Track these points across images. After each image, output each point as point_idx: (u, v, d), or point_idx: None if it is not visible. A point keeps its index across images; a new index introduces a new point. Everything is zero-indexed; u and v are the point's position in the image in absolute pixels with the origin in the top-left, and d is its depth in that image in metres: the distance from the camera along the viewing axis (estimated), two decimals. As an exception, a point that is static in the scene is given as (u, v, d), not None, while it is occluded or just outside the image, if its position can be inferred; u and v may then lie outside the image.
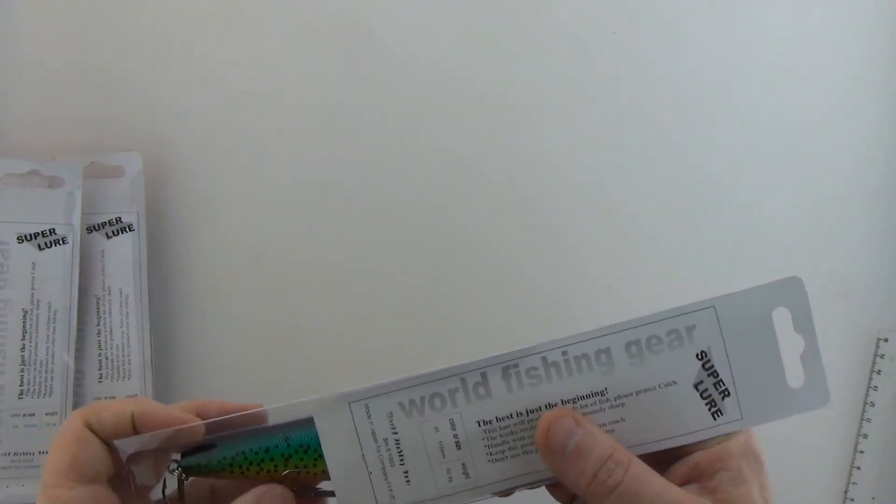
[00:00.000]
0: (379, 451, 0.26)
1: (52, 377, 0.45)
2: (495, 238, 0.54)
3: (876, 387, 0.59)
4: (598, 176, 0.55)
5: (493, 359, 0.26)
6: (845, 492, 0.59)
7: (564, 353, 0.26)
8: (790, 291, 0.27)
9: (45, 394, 0.45)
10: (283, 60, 0.51)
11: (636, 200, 0.55)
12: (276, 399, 0.53)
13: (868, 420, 0.59)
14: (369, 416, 0.26)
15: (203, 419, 0.28)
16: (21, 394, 0.45)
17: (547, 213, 0.54)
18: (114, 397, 0.47)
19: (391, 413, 0.26)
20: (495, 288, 0.54)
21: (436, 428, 0.26)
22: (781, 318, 0.26)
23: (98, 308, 0.47)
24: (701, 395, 0.26)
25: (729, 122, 0.56)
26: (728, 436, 0.25)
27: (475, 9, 0.52)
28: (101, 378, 0.47)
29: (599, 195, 0.55)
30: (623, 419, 0.26)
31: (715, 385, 0.26)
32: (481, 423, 0.26)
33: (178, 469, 0.27)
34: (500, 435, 0.26)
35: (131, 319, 0.47)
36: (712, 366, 0.26)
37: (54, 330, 0.45)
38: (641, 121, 0.55)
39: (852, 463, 0.59)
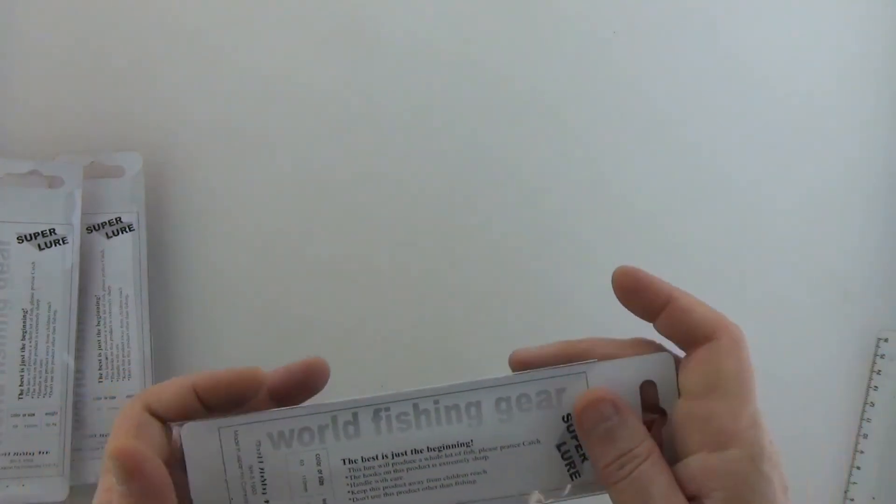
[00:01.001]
0: (243, 478, 0.26)
1: (52, 377, 0.45)
2: (501, 232, 0.54)
3: (876, 387, 0.59)
4: (599, 174, 0.55)
5: (366, 400, 0.27)
6: (845, 492, 0.59)
7: (436, 402, 0.27)
8: (660, 366, 0.27)
9: (45, 394, 0.45)
10: (284, 60, 0.51)
11: (637, 200, 0.55)
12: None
13: (868, 420, 0.59)
14: (237, 443, 0.26)
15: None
16: (21, 394, 0.45)
17: (552, 207, 0.54)
18: (114, 397, 0.47)
19: (259, 442, 0.26)
20: (501, 280, 0.54)
21: (301, 461, 0.27)
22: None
23: (98, 308, 0.47)
24: (562, 455, 0.27)
25: (729, 121, 0.56)
26: (727, 448, 0.25)
27: (478, 7, 0.52)
28: (101, 378, 0.47)
29: (600, 192, 0.55)
30: (485, 471, 0.27)
31: (577, 448, 0.27)
32: (346, 462, 0.27)
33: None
34: (364, 475, 0.27)
35: (131, 319, 0.47)
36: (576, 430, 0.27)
37: (54, 330, 0.45)
38: (642, 119, 0.55)
39: (852, 463, 0.59)
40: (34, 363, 0.45)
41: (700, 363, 0.26)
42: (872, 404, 0.59)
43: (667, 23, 0.55)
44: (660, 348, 0.28)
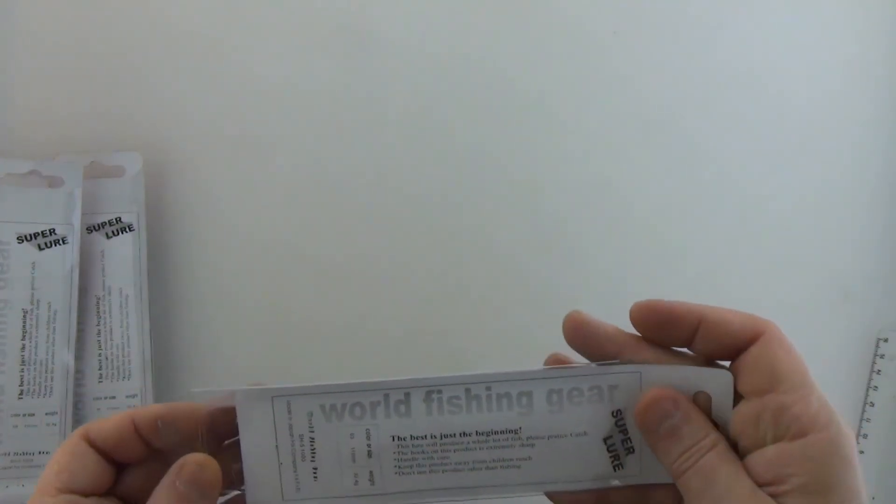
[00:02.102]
0: (293, 445, 0.27)
1: (52, 377, 0.45)
2: (501, 233, 0.54)
3: (876, 387, 0.59)
4: (601, 173, 0.55)
5: (420, 381, 0.27)
6: (845, 492, 0.59)
7: (488, 389, 0.27)
8: (717, 381, 0.27)
9: (45, 394, 0.45)
10: (285, 59, 0.51)
11: (639, 200, 0.55)
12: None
13: (868, 420, 0.59)
14: (289, 412, 0.27)
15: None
16: (21, 394, 0.45)
17: (553, 208, 0.54)
18: (114, 397, 0.47)
19: (311, 413, 0.27)
20: (501, 282, 0.54)
21: (351, 434, 0.27)
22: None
23: (98, 308, 0.47)
24: (608, 448, 0.28)
25: (729, 122, 0.56)
26: (806, 434, 0.25)
27: (478, 8, 0.52)
28: (101, 378, 0.47)
29: (600, 193, 0.55)
30: (531, 458, 0.28)
31: (623, 441, 0.28)
32: (395, 438, 0.27)
33: None
34: (412, 452, 0.27)
35: (131, 319, 0.47)
36: (624, 424, 0.28)
37: (54, 330, 0.45)
38: (642, 120, 0.55)
39: (852, 463, 0.59)
40: (34, 363, 0.45)
41: (755, 363, 0.26)
42: (872, 404, 0.59)
43: (667, 23, 0.55)
44: (711, 363, 0.27)
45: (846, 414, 0.59)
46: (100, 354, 0.47)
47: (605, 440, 0.28)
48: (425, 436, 0.27)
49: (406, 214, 0.53)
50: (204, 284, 0.51)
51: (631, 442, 0.28)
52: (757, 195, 0.57)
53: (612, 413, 0.27)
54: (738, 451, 0.26)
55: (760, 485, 0.25)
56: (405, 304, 0.53)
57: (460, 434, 0.27)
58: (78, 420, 0.46)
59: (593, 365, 0.27)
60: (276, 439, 0.27)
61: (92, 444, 0.27)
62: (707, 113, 0.56)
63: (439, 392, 0.27)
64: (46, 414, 0.45)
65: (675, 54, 0.55)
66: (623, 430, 0.27)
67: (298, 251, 0.52)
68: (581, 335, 0.28)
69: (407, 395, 0.27)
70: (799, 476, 0.24)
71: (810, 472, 0.24)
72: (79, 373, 0.46)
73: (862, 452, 0.59)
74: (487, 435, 0.27)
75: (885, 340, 0.59)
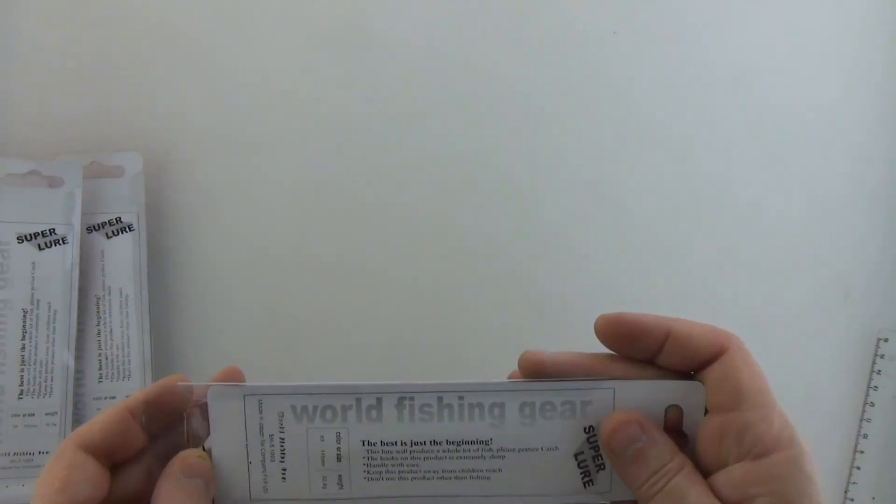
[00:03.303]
0: (262, 445, 0.27)
1: (52, 377, 0.45)
2: (498, 236, 0.54)
3: (876, 387, 0.59)
4: (601, 174, 0.55)
5: (392, 387, 0.27)
6: (845, 492, 0.59)
7: (461, 398, 0.27)
8: (688, 393, 0.27)
9: (45, 394, 0.45)
10: (285, 60, 0.51)
11: (638, 200, 0.55)
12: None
13: (868, 420, 0.59)
14: (261, 412, 0.27)
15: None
16: (21, 394, 0.45)
17: (550, 211, 0.54)
18: (114, 398, 0.47)
19: (282, 413, 0.27)
20: (498, 285, 0.54)
21: (322, 437, 0.27)
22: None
23: (98, 308, 0.47)
24: (578, 464, 0.28)
25: (729, 122, 0.56)
26: (769, 454, 0.25)
27: (478, 7, 0.52)
28: (101, 378, 0.47)
29: (600, 194, 0.55)
30: (501, 470, 0.27)
31: (594, 458, 0.27)
32: (366, 443, 0.27)
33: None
34: (382, 458, 0.27)
35: (131, 319, 0.47)
36: (596, 441, 0.27)
37: (54, 330, 0.45)
38: (642, 120, 0.55)
39: (852, 463, 0.59)
40: (34, 363, 0.45)
41: (719, 380, 0.26)
42: (872, 404, 0.59)
43: (667, 25, 0.55)
44: (681, 375, 0.28)
45: (846, 414, 0.59)
46: (100, 354, 0.47)
47: (576, 456, 0.27)
48: (395, 442, 0.27)
49: (405, 216, 0.53)
50: (203, 284, 0.51)
51: (602, 458, 0.27)
52: (757, 196, 0.57)
53: (585, 429, 0.27)
54: (702, 466, 0.26)
55: None
56: (405, 306, 0.53)
57: (431, 442, 0.27)
58: (78, 420, 0.46)
59: (568, 380, 0.27)
60: (247, 438, 0.27)
61: (89, 449, 0.26)
62: (707, 114, 0.56)
63: (412, 399, 0.27)
64: (46, 414, 0.45)
65: (674, 56, 0.55)
66: (595, 446, 0.27)
67: (298, 251, 0.52)
68: (539, 374, 0.28)
69: (379, 400, 0.27)
70: (765, 496, 0.24)
71: (776, 491, 0.24)
72: (79, 373, 0.46)
73: (862, 452, 0.59)
74: (458, 445, 0.27)
75: (886, 340, 0.59)
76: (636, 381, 0.27)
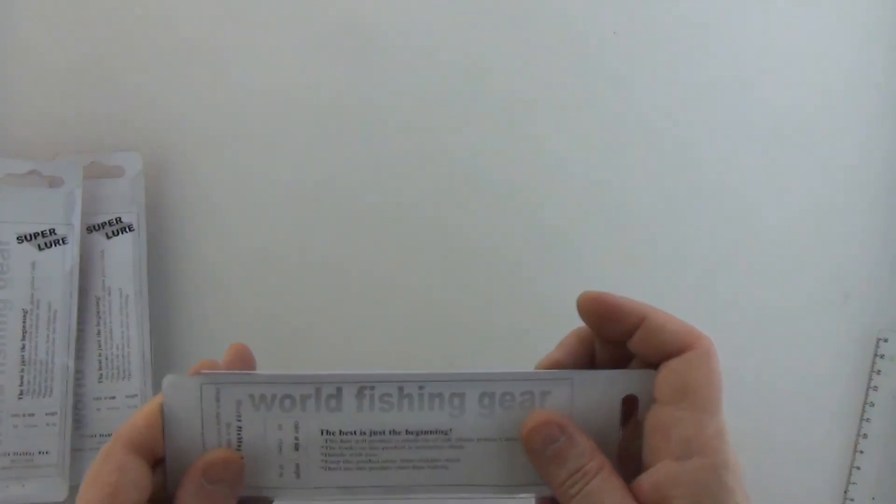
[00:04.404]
0: (219, 434, 0.27)
1: (52, 377, 0.45)
2: (498, 237, 0.54)
3: (876, 387, 0.59)
4: (599, 175, 0.55)
5: (353, 376, 0.27)
6: (845, 492, 0.59)
7: (421, 388, 0.27)
8: (643, 381, 0.27)
9: (45, 394, 0.45)
10: (285, 60, 0.51)
11: (637, 200, 0.55)
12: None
13: (868, 420, 0.59)
14: (218, 400, 0.27)
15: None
16: (21, 394, 0.45)
17: (550, 212, 0.54)
18: (114, 398, 0.47)
19: (240, 402, 0.27)
20: (497, 287, 0.54)
21: (280, 426, 0.27)
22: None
23: (98, 308, 0.47)
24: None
25: (729, 122, 0.56)
26: (691, 457, 0.25)
27: (478, 8, 0.52)
28: (101, 378, 0.47)
29: (600, 194, 0.55)
30: (459, 460, 0.27)
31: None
32: (324, 433, 0.27)
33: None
34: (340, 447, 0.27)
35: (131, 319, 0.47)
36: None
37: (54, 330, 0.45)
38: (642, 120, 0.55)
39: (852, 463, 0.59)
40: (34, 363, 0.45)
41: (671, 373, 0.27)
42: (872, 404, 0.59)
43: (667, 24, 0.55)
44: (646, 365, 0.28)
45: (846, 414, 0.59)
46: (100, 354, 0.47)
47: None
48: (354, 431, 0.27)
49: (405, 215, 0.53)
50: (203, 284, 0.51)
51: (536, 468, 0.27)
52: (756, 196, 0.57)
53: None
54: (643, 452, 0.27)
55: None
56: (404, 305, 0.53)
57: (390, 432, 0.27)
58: (78, 420, 0.46)
59: (527, 371, 0.27)
60: (203, 426, 0.27)
61: (137, 449, 0.26)
62: (707, 114, 0.56)
63: (372, 388, 0.27)
64: (46, 414, 0.45)
65: (674, 56, 0.55)
66: None
67: (297, 251, 0.52)
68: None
69: (339, 389, 0.27)
70: (680, 498, 0.24)
71: (691, 495, 0.24)
72: (79, 373, 0.46)
73: (862, 452, 0.59)
74: (417, 434, 0.27)
75: (885, 340, 0.59)
76: (593, 372, 0.28)
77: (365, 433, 0.27)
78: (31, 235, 0.45)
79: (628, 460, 0.27)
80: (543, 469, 0.27)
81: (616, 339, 0.28)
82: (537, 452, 0.27)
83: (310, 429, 0.27)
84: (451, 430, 0.27)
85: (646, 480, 0.26)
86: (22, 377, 0.45)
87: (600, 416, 0.28)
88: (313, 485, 0.27)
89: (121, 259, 0.47)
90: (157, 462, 0.27)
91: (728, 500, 0.24)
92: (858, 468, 0.59)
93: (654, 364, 0.28)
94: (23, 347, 0.45)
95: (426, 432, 0.27)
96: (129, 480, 0.25)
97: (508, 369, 0.27)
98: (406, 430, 0.27)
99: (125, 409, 0.47)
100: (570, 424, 0.27)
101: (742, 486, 0.25)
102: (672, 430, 0.25)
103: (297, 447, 0.27)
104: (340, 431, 0.27)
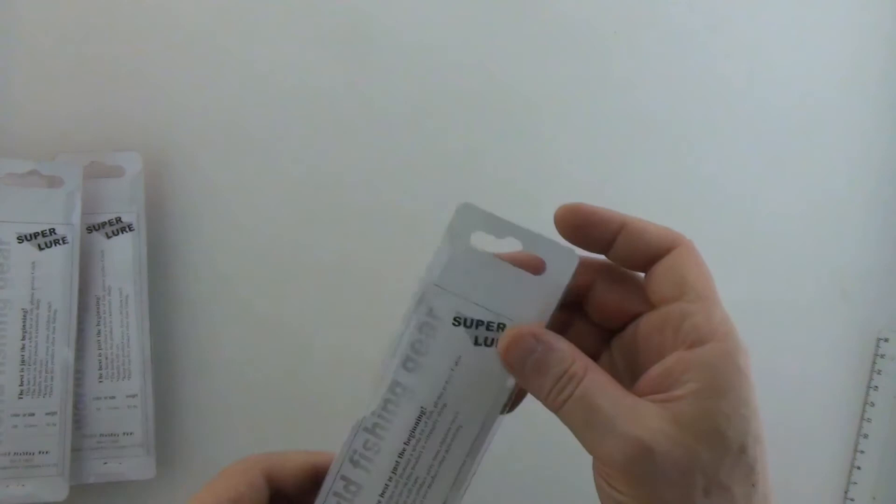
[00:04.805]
0: None
1: (52, 377, 0.45)
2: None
3: (876, 387, 0.59)
4: (599, 174, 0.55)
5: None
6: (845, 492, 0.59)
7: (375, 415, 0.27)
8: (470, 218, 0.27)
9: (45, 394, 0.45)
10: (285, 60, 0.51)
11: (638, 199, 0.55)
12: (278, 398, 0.53)
13: (868, 420, 0.59)
14: None
15: None
16: (21, 394, 0.45)
17: (550, 211, 0.54)
18: (114, 397, 0.47)
19: None
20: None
21: None
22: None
23: (98, 308, 0.47)
24: (486, 346, 0.27)
25: (729, 122, 0.56)
26: (703, 343, 0.25)
27: (479, 9, 0.52)
28: (101, 378, 0.47)
29: (599, 193, 0.55)
30: (456, 419, 0.27)
31: (487, 328, 0.27)
32: None
33: None
34: None
35: (131, 319, 0.47)
36: (472, 319, 0.27)
37: (54, 330, 0.45)
38: (642, 120, 0.55)
39: (852, 463, 0.59)
40: (34, 363, 0.45)
41: (665, 272, 0.27)
42: (872, 404, 0.59)
43: (667, 23, 0.55)
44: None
45: (846, 414, 0.59)
46: (100, 354, 0.47)
47: (476, 343, 0.27)
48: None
49: (406, 213, 0.53)
50: (204, 284, 0.51)
51: (491, 322, 0.27)
52: (756, 195, 0.57)
53: (454, 322, 0.27)
54: (641, 360, 0.26)
55: (655, 392, 0.25)
56: (404, 304, 0.53)
57: None
58: (78, 420, 0.46)
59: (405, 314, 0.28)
60: None
61: (271, 482, 0.26)
62: (706, 113, 0.56)
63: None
64: (46, 414, 0.45)
65: (674, 55, 0.55)
66: (476, 323, 0.27)
67: (298, 250, 0.52)
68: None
69: None
70: (694, 381, 0.24)
71: (704, 378, 0.24)
72: (79, 372, 0.46)
73: (862, 452, 0.59)
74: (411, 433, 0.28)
75: (886, 340, 0.59)
76: (432, 264, 0.28)
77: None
78: (31, 235, 0.45)
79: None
80: (528, 383, 0.26)
81: (594, 249, 0.28)
82: (519, 369, 0.26)
83: None
84: (423, 407, 0.27)
85: (654, 370, 0.25)
86: (22, 377, 0.45)
87: (475, 268, 0.28)
88: None
89: (121, 259, 0.47)
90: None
91: (742, 382, 0.24)
92: (858, 468, 0.59)
93: (640, 269, 0.28)
94: (23, 347, 0.45)
95: (411, 429, 0.27)
96: (254, 499, 0.26)
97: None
98: (403, 442, 0.27)
99: (125, 409, 0.47)
100: (544, 331, 0.26)
101: (751, 371, 0.25)
102: (682, 321, 0.25)
103: None
104: None
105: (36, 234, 0.45)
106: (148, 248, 0.48)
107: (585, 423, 0.24)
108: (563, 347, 0.26)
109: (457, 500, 0.27)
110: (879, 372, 0.59)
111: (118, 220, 0.48)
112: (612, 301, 0.28)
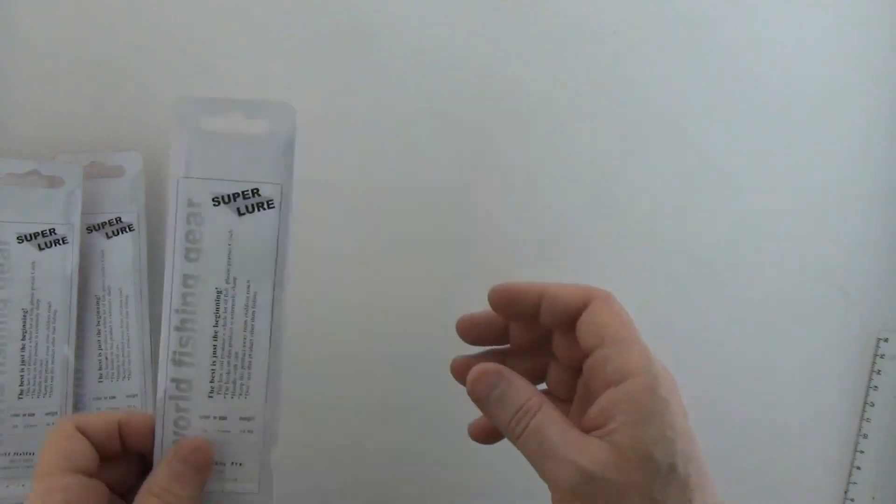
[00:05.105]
0: None
1: (51, 377, 0.45)
2: (503, 232, 0.54)
3: (876, 387, 0.59)
4: (599, 173, 0.55)
5: None
6: (845, 492, 0.59)
7: (179, 312, 0.29)
8: (191, 108, 0.29)
9: (45, 394, 0.45)
10: (285, 59, 0.51)
11: (638, 199, 0.55)
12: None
13: (868, 420, 0.59)
14: None
15: None
16: (21, 394, 0.45)
17: (550, 211, 0.54)
18: (114, 397, 0.47)
19: None
20: (502, 280, 0.54)
21: None
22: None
23: (98, 308, 0.47)
24: (249, 212, 0.29)
25: (730, 122, 0.56)
26: (625, 380, 0.28)
27: (480, 8, 0.52)
28: (101, 378, 0.47)
29: (600, 192, 0.55)
30: (250, 287, 0.29)
31: (244, 197, 0.29)
32: None
33: None
34: None
35: (131, 319, 0.47)
36: (227, 194, 0.29)
37: (54, 330, 0.45)
38: (643, 119, 0.55)
39: (852, 463, 0.59)
40: (34, 363, 0.45)
41: (584, 325, 0.30)
42: (872, 404, 0.59)
43: (667, 23, 0.55)
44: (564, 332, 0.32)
45: (846, 414, 0.59)
46: (100, 354, 0.47)
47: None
48: None
49: (407, 213, 0.53)
50: (204, 284, 0.50)
51: (258, 192, 0.29)
52: (756, 194, 0.57)
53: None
54: (590, 399, 0.29)
55: (594, 429, 0.28)
56: (405, 303, 0.53)
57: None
58: (78, 420, 0.46)
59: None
60: None
61: (83, 433, 0.29)
62: (706, 112, 0.56)
63: None
64: (46, 414, 0.45)
65: (674, 54, 0.55)
66: (252, 192, 0.29)
67: (298, 249, 0.52)
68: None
69: None
70: (623, 413, 0.27)
71: (630, 410, 0.27)
72: (79, 372, 0.46)
73: (862, 452, 0.59)
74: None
75: (886, 340, 0.59)
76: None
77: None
78: (31, 235, 0.45)
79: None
80: (491, 414, 0.30)
81: (524, 318, 0.32)
82: (483, 400, 0.30)
83: None
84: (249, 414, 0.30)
85: (592, 410, 0.28)
86: (22, 377, 0.45)
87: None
88: None
89: (121, 259, 0.48)
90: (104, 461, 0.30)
91: (664, 410, 0.27)
92: (858, 468, 0.59)
93: (567, 326, 0.31)
94: (23, 347, 0.45)
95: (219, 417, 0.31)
96: (79, 448, 0.29)
97: None
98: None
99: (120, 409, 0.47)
100: (505, 369, 0.30)
101: (677, 396, 0.28)
102: (604, 366, 0.29)
103: None
104: None
105: (36, 234, 0.45)
106: (148, 248, 0.48)
107: (538, 453, 0.28)
108: (522, 384, 0.30)
109: (278, 362, 0.30)
110: (879, 372, 0.59)
111: (118, 220, 0.48)
112: (563, 349, 0.32)
